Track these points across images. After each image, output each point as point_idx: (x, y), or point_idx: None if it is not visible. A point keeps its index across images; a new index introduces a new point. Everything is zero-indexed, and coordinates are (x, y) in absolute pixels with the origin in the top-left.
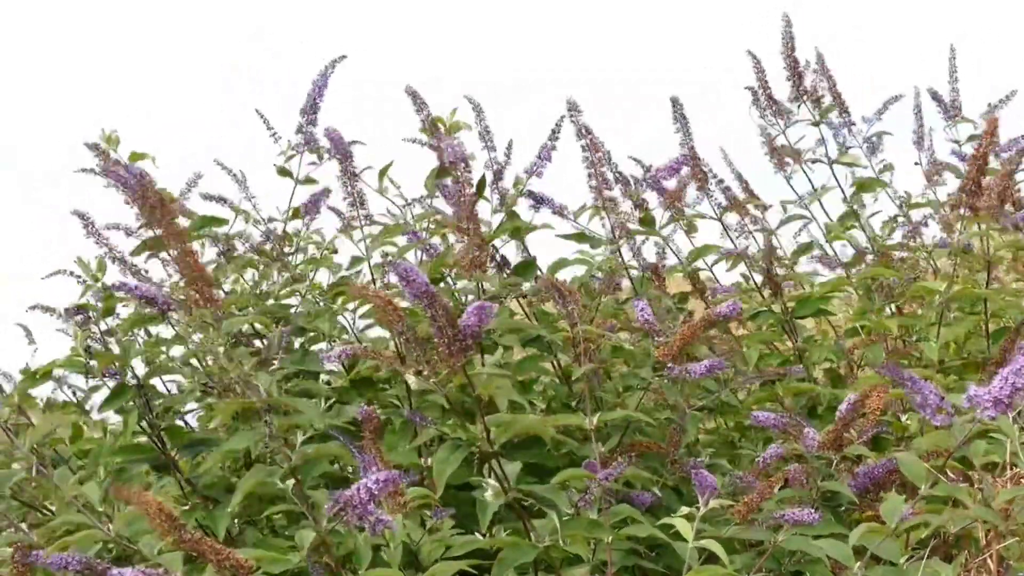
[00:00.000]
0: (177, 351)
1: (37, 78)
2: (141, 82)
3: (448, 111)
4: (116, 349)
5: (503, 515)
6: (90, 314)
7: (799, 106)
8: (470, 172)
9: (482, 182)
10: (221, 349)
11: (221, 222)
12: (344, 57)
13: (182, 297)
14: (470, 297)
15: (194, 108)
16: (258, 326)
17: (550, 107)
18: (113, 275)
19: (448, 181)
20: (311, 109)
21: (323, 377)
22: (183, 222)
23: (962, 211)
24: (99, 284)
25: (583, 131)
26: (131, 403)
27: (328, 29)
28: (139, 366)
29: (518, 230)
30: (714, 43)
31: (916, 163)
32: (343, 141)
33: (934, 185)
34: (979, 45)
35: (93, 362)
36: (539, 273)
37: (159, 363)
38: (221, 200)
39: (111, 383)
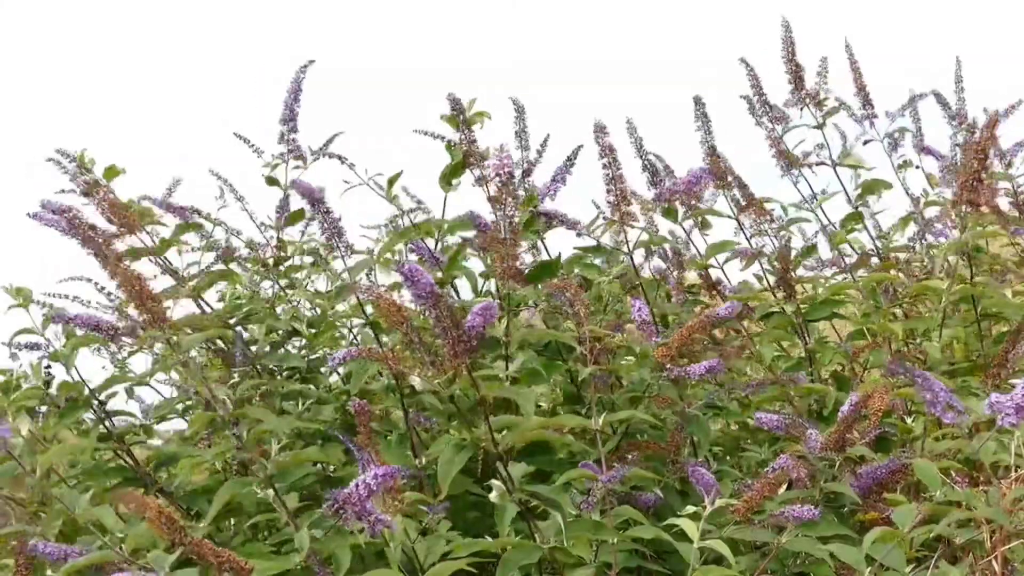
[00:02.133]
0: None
1: (47, 81)
2: (149, 84)
3: (466, 102)
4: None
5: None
6: (45, 346)
7: (801, 110)
8: (513, 181)
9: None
10: (182, 366)
11: (196, 227)
12: (313, 62)
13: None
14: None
15: (209, 112)
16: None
17: (549, 103)
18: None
19: (474, 182)
20: (290, 117)
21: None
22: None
23: (963, 208)
24: (30, 310)
25: (606, 150)
26: (95, 425)
27: (326, 23)
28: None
29: (540, 232)
30: (713, 42)
31: (918, 166)
32: (311, 189)
33: (946, 186)
34: (984, 47)
35: (52, 391)
36: (561, 273)
37: (110, 377)
38: (195, 212)
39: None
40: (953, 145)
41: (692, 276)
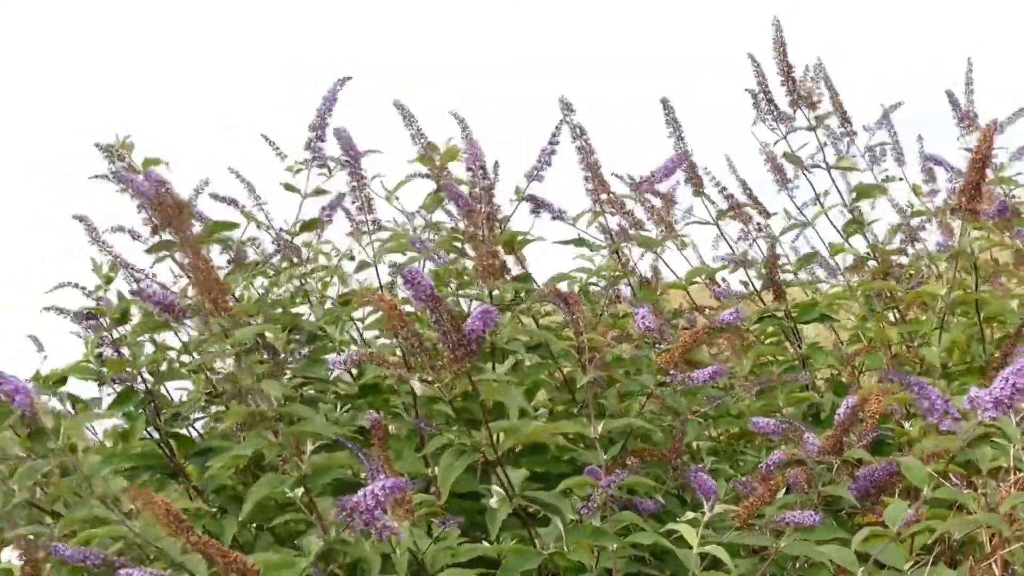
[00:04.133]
0: (185, 358)
1: (77, 79)
2: (172, 83)
3: (443, 140)
4: (127, 355)
5: (508, 522)
6: (102, 319)
7: (795, 112)
8: (488, 179)
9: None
10: (233, 358)
11: (233, 226)
12: (350, 78)
13: (191, 304)
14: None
15: (233, 112)
16: (268, 335)
17: (549, 103)
18: (120, 281)
19: (457, 193)
20: (320, 125)
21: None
22: (196, 228)
23: (962, 215)
24: (109, 288)
25: (577, 132)
26: (139, 409)
27: (326, 23)
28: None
29: (512, 242)
30: (708, 45)
31: (901, 178)
32: (352, 143)
33: (930, 197)
34: (988, 53)
35: (104, 368)
36: (535, 286)
37: (167, 369)
38: (232, 202)
39: (119, 388)
40: (961, 148)
41: (675, 294)
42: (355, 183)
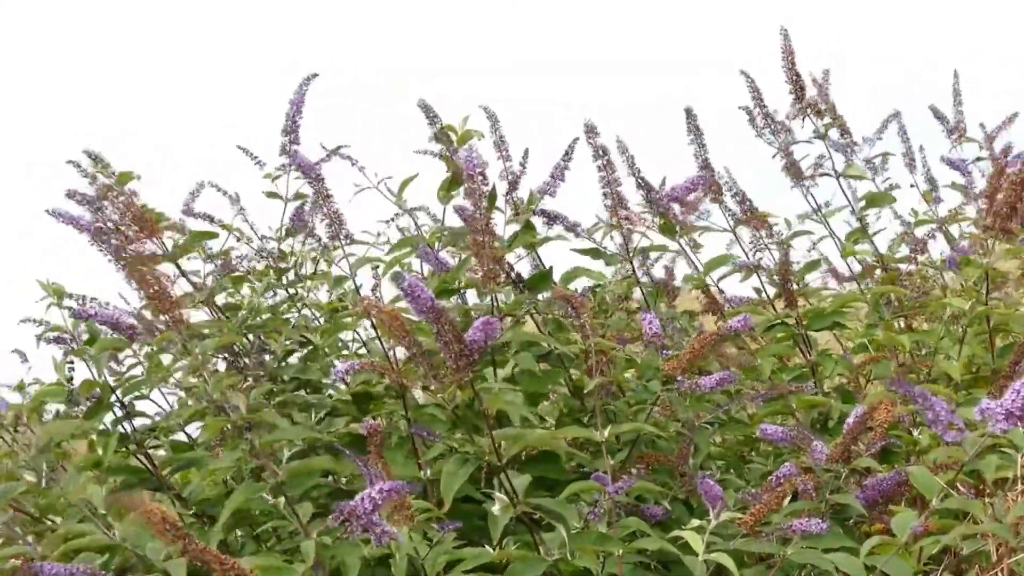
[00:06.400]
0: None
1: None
2: (172, 83)
3: (459, 119)
4: (96, 375)
5: (512, 528)
6: (69, 341)
7: (803, 120)
8: (486, 184)
9: (493, 194)
10: (199, 370)
11: (214, 236)
12: (316, 75)
13: (145, 322)
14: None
15: (233, 113)
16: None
17: (550, 103)
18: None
19: (463, 195)
20: (291, 128)
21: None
22: (166, 240)
23: (996, 235)
24: (63, 308)
25: (599, 152)
26: (115, 427)
27: (325, 23)
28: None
29: (533, 242)
30: (707, 45)
31: (912, 185)
32: (311, 165)
33: (935, 203)
34: (988, 53)
35: (75, 389)
36: (554, 284)
37: (134, 382)
38: (209, 218)
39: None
40: (956, 160)
41: (690, 298)
42: (321, 201)
